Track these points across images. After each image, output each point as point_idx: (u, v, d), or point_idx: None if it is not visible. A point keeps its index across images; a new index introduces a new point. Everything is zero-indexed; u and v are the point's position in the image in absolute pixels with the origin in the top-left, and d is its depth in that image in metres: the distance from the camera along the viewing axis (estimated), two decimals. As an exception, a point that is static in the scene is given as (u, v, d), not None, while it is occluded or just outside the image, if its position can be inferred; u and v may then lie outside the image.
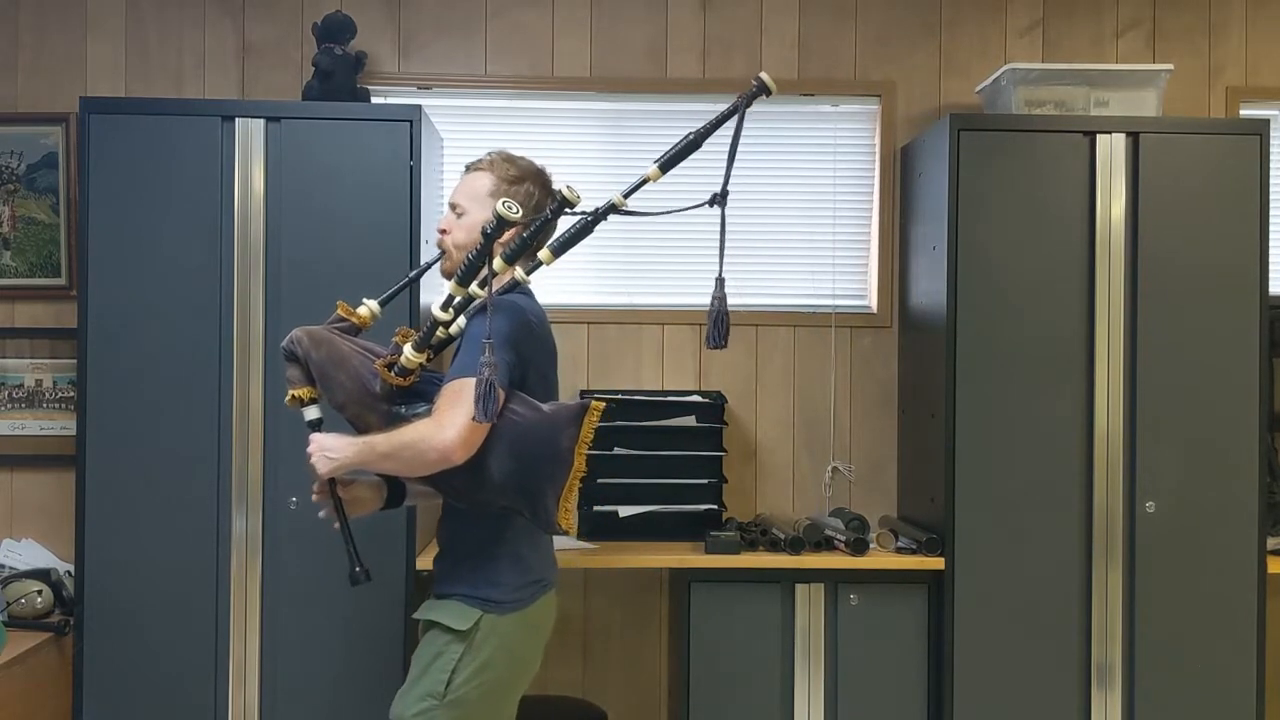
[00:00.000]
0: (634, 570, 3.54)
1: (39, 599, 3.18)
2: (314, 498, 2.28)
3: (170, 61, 3.57)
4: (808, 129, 3.73)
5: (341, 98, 3.25)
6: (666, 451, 3.40)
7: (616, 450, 3.40)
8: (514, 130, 3.65)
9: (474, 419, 2.01)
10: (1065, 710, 3.15)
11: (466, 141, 3.60)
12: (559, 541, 3.28)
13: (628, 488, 3.37)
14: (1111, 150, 3.17)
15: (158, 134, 3.06)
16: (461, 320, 2.22)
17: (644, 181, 2.06)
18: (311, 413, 2.29)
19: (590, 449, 3.34)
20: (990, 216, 3.17)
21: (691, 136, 2.04)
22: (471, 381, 2.03)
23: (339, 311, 2.37)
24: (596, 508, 3.37)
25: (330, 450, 2.19)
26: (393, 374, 2.20)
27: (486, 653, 2.20)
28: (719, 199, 2.02)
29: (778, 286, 3.71)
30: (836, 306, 3.69)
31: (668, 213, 2.07)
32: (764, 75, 1.99)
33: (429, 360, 2.25)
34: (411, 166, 3.05)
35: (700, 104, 3.67)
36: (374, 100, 3.42)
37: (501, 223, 2.06)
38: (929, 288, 3.35)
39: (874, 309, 3.70)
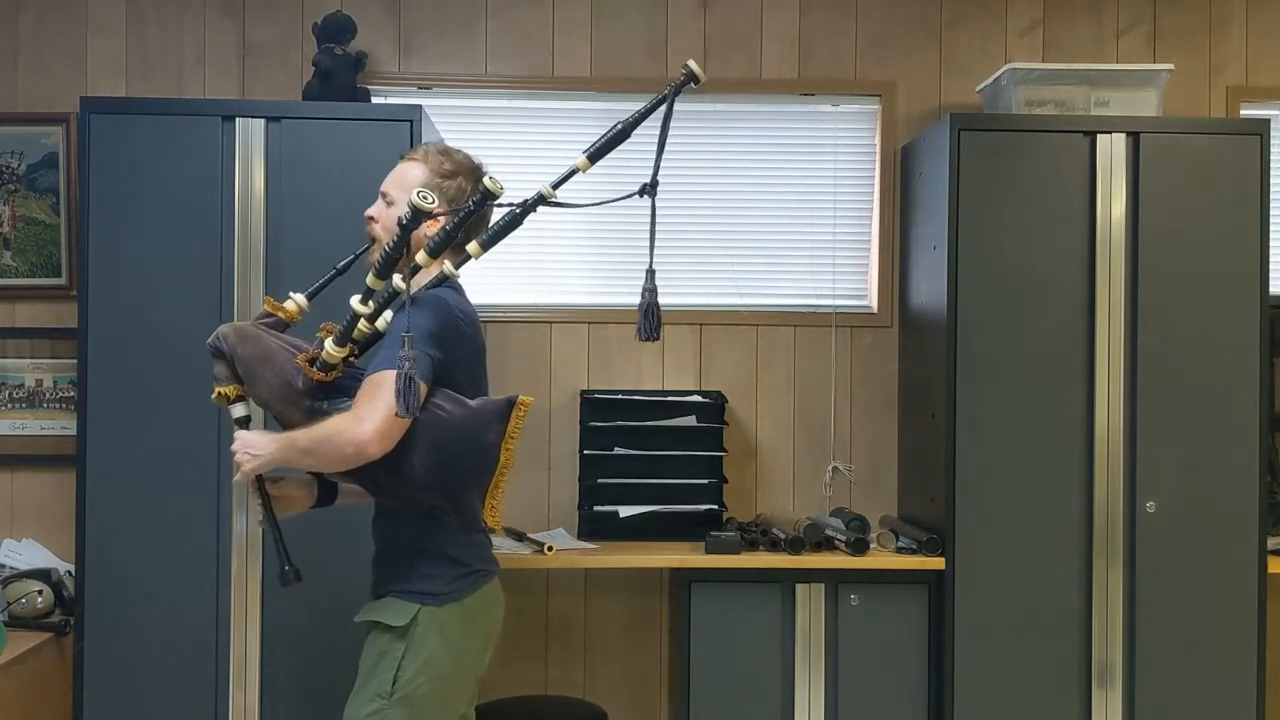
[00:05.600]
0: (634, 570, 3.54)
1: (39, 599, 3.18)
2: (245, 488, 2.28)
3: (171, 61, 3.57)
4: (808, 129, 3.72)
5: (341, 98, 3.25)
6: (667, 451, 3.40)
7: (616, 450, 3.40)
8: (514, 130, 3.65)
9: (395, 413, 1.99)
10: (1065, 710, 3.16)
11: (467, 141, 3.55)
12: (565, 542, 3.30)
13: (628, 488, 3.37)
14: (1112, 150, 3.17)
15: (158, 134, 3.06)
16: (389, 314, 2.18)
17: (573, 172, 2.02)
18: (238, 410, 2.27)
19: (590, 449, 3.40)
20: (990, 216, 3.17)
21: (620, 126, 1.99)
22: (390, 375, 2.00)
23: (265, 307, 2.34)
24: (596, 508, 3.37)
25: (253, 447, 2.17)
26: (315, 369, 2.17)
27: (429, 647, 2.18)
28: (649, 189, 1.97)
29: (778, 286, 3.71)
30: (837, 306, 3.69)
31: (596, 204, 2.04)
32: (692, 63, 1.94)
33: (354, 356, 2.21)
34: (412, 166, 3.05)
35: (700, 104, 3.67)
36: (374, 100, 3.42)
37: (417, 214, 2.02)
38: (929, 288, 3.35)
39: (874, 309, 3.70)
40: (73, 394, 3.45)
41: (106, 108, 3.09)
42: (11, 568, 3.34)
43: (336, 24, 3.32)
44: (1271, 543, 3.25)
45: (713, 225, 3.70)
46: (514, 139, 3.63)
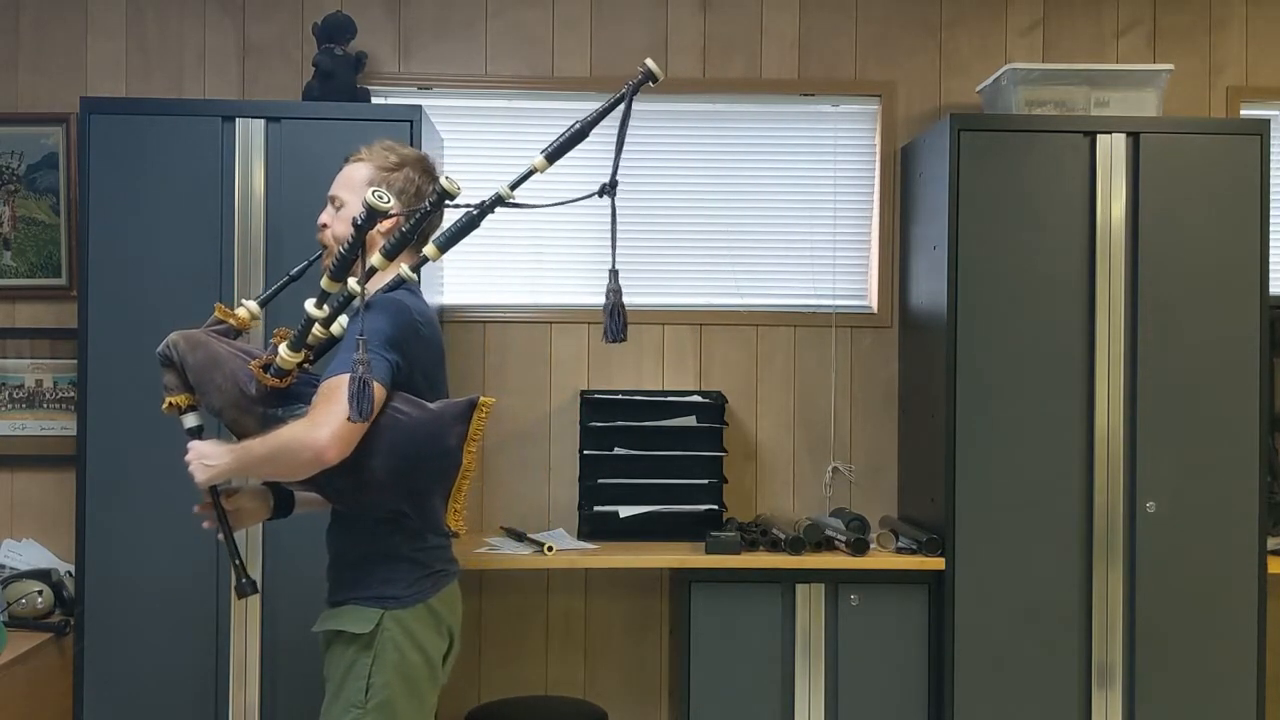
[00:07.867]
0: (634, 570, 3.54)
1: (39, 599, 3.18)
2: (196, 509, 2.23)
3: (171, 61, 3.57)
4: (808, 129, 3.72)
5: (341, 98, 3.25)
6: (667, 451, 3.40)
7: (616, 450, 3.40)
8: (514, 130, 3.65)
9: (349, 419, 1.95)
10: (1065, 710, 3.16)
11: (466, 141, 3.61)
12: (565, 542, 3.30)
13: (628, 488, 3.37)
14: (1111, 150, 3.17)
15: (158, 134, 3.07)
16: (344, 319, 2.13)
17: (531, 172, 2.00)
18: (190, 420, 2.21)
19: (590, 449, 3.40)
20: (990, 216, 3.17)
21: (578, 126, 1.98)
22: (345, 379, 1.96)
23: (216, 314, 2.28)
24: (596, 508, 3.37)
25: (208, 457, 2.13)
26: (269, 375, 2.11)
27: (397, 651, 2.13)
28: (608, 189, 1.95)
29: (778, 286, 3.71)
30: (837, 306, 3.69)
31: (553, 205, 2.02)
32: (649, 62, 1.93)
33: (309, 361, 2.16)
34: (412, 166, 3.05)
35: (701, 104, 3.68)
36: (374, 100, 3.42)
37: (372, 213, 1.97)
38: (929, 288, 3.35)
39: (874, 309, 3.70)
40: (73, 394, 3.45)
41: (106, 108, 3.09)
42: (11, 568, 3.34)
43: (336, 24, 3.32)
44: (1271, 543, 3.25)
45: (713, 225, 3.69)
46: (514, 139, 3.63)
